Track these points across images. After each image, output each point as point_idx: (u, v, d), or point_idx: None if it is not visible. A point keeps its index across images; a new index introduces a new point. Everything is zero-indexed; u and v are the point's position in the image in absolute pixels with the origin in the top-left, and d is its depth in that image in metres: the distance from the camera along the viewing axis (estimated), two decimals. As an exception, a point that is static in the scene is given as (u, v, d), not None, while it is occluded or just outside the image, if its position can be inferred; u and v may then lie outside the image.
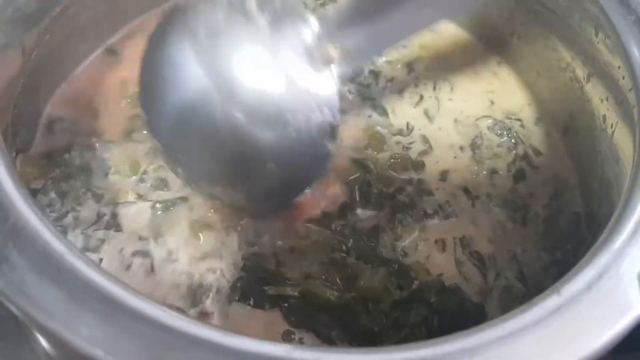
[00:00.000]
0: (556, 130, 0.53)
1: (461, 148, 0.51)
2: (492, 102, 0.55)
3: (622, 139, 0.41)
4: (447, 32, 0.59)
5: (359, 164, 0.49)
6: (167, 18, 0.40)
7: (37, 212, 0.29)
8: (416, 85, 0.55)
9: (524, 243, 0.47)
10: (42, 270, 0.27)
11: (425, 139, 0.52)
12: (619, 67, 0.42)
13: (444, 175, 0.50)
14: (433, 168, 0.50)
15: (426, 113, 0.54)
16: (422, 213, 0.47)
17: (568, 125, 0.51)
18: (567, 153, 0.51)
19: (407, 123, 0.53)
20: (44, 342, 0.39)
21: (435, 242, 0.46)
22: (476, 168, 0.50)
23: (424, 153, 0.51)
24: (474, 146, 0.52)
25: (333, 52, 0.38)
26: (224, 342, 0.26)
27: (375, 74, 0.56)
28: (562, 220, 0.48)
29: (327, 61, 0.39)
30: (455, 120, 0.53)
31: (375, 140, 0.51)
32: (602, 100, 0.45)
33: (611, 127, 0.43)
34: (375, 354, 0.27)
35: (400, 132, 0.52)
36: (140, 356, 0.25)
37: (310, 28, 0.39)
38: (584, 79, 0.47)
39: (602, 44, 0.44)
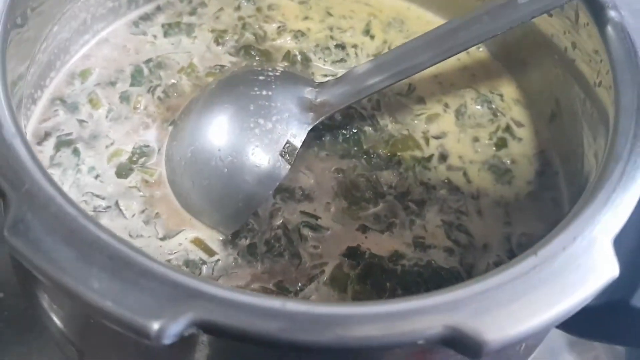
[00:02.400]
0: (544, 118, 0.56)
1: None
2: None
3: (599, 120, 0.43)
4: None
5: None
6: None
7: (49, 179, 0.31)
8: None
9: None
10: (55, 231, 0.29)
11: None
12: (596, 52, 0.44)
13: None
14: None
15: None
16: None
17: (555, 112, 0.54)
18: (553, 139, 0.54)
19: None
20: (57, 320, 0.41)
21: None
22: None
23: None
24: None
25: (320, 102, 0.50)
26: (223, 295, 0.29)
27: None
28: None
29: (314, 108, 0.50)
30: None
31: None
32: (581, 83, 0.47)
33: (589, 109, 0.45)
34: (362, 307, 0.29)
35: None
36: (147, 307, 0.28)
37: (311, 86, 0.51)
38: (567, 64, 0.50)
39: (582, 30, 0.46)
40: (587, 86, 0.46)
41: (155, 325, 0.27)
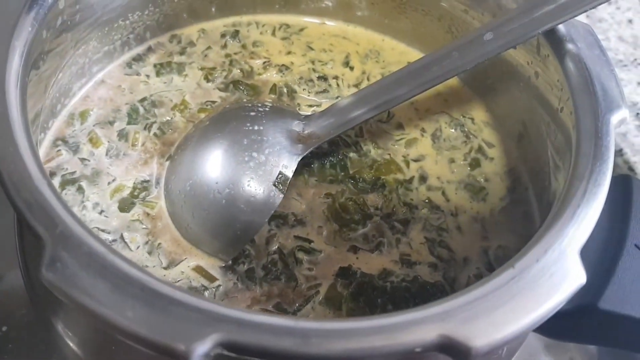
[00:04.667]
0: (512, 138, 0.60)
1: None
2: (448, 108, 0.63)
3: (563, 142, 0.48)
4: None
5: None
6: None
7: (79, 221, 0.34)
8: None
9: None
10: (89, 267, 0.33)
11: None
12: (557, 80, 0.49)
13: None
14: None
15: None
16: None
17: (522, 133, 0.59)
18: (521, 157, 0.59)
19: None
20: (73, 345, 0.45)
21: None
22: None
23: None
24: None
25: (307, 134, 0.55)
26: (243, 317, 0.32)
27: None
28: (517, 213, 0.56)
29: (302, 139, 0.54)
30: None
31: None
32: (546, 109, 0.52)
33: (554, 132, 0.50)
34: (366, 322, 0.33)
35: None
36: (177, 331, 0.31)
37: (298, 119, 0.55)
38: (532, 91, 0.55)
39: (544, 61, 0.51)
40: (551, 111, 0.51)
41: (186, 347, 0.31)
